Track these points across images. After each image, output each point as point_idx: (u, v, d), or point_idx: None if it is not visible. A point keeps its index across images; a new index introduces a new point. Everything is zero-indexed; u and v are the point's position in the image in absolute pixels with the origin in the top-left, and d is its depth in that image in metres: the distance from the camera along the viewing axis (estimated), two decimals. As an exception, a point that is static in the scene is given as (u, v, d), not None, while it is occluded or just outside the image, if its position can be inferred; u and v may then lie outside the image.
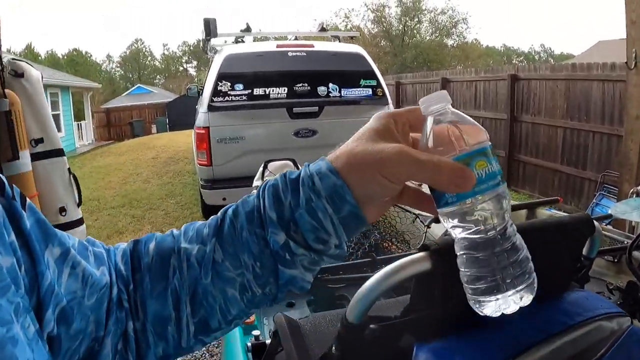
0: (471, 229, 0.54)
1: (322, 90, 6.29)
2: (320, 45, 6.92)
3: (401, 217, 2.74)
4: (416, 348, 0.84)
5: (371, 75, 6.50)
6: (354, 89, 6.41)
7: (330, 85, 6.32)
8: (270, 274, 0.62)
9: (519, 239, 0.56)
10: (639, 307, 2.47)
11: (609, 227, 3.85)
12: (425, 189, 0.59)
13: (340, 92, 6.35)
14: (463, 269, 0.56)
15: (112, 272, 0.66)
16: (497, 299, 0.54)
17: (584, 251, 1.22)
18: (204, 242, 0.64)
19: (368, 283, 0.85)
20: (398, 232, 2.70)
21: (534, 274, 0.55)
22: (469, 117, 0.55)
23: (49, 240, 0.59)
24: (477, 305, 0.56)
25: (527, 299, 0.55)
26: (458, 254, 0.56)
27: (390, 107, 6.53)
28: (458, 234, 0.55)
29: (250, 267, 0.61)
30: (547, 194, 8.25)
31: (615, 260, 2.95)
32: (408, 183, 0.60)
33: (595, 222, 1.15)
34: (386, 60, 33.82)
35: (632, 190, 4.62)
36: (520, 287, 0.54)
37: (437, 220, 3.27)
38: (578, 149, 7.72)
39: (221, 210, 0.65)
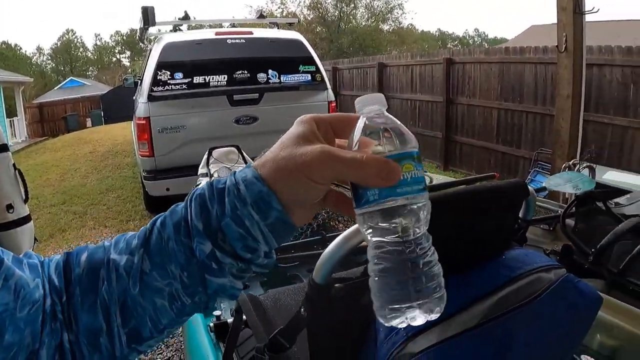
0: (389, 232, 0.53)
1: (261, 77, 6.30)
2: (259, 32, 6.91)
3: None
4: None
5: (310, 61, 6.54)
6: (293, 75, 6.44)
7: (270, 71, 6.32)
8: (199, 283, 0.61)
9: (433, 251, 0.55)
10: (575, 268, 2.64)
11: (545, 199, 4.06)
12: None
13: (279, 78, 6.37)
14: (374, 275, 0.54)
15: (45, 283, 0.65)
16: (407, 309, 0.52)
17: (521, 214, 1.33)
18: (132, 253, 0.63)
19: (331, 246, 0.90)
20: (342, 212, 2.78)
21: (444, 290, 0.54)
22: (400, 123, 0.55)
23: None
24: (384, 314, 0.54)
25: (437, 314, 0.53)
26: (370, 258, 0.55)
27: (329, 92, 6.63)
28: (374, 236, 0.54)
29: (178, 277, 0.61)
30: (483, 172, 8.32)
31: (551, 228, 3.13)
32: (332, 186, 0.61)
33: (529, 187, 1.25)
34: (322, 46, 33.80)
35: (564, 165, 4.87)
36: (431, 299, 0.53)
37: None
38: (512, 128, 7.97)
39: (151, 221, 0.65)
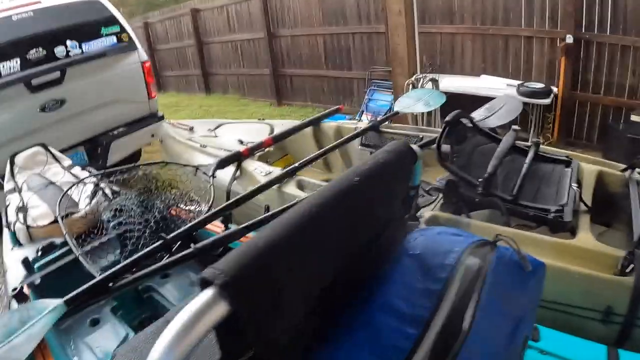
0: None
1: (60, 51, 5.42)
2: (48, 0, 6.04)
3: (180, 173, 2.43)
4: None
5: (112, 21, 5.80)
6: (96, 41, 5.66)
7: (69, 43, 5.47)
8: None
9: None
10: (464, 202, 2.42)
11: (397, 124, 3.90)
12: None
13: (81, 48, 5.55)
14: None
15: None
16: None
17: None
18: None
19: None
20: (183, 193, 2.36)
21: None
22: None
23: None
24: None
25: None
26: None
27: (140, 52, 5.97)
28: None
29: None
30: (319, 100, 8.57)
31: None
32: None
33: (415, 148, 0.97)
34: (130, 3, 31.77)
35: (407, 82, 4.77)
36: None
37: (221, 166, 2.97)
38: (341, 52, 7.95)
39: None
